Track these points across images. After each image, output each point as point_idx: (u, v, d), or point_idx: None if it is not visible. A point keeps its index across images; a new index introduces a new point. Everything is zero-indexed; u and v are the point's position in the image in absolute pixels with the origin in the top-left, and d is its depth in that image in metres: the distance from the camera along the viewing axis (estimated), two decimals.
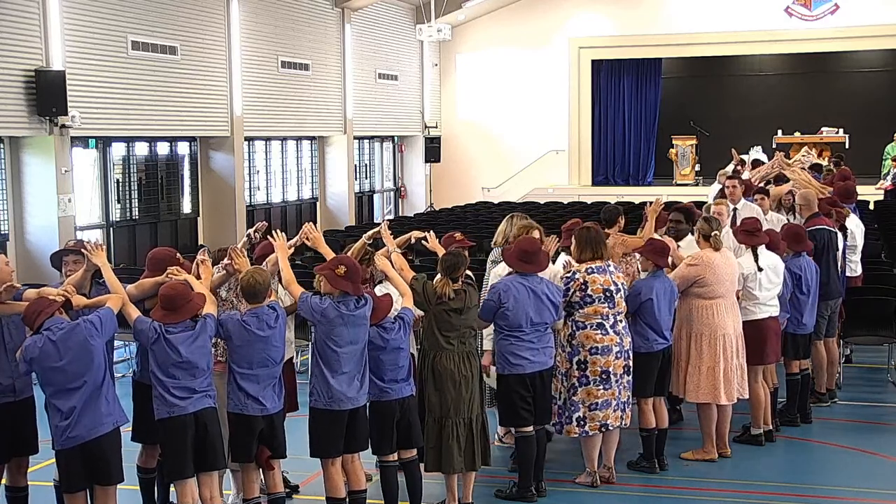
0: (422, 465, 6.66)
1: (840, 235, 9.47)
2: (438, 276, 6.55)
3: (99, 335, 5.52)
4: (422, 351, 6.57)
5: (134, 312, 5.77)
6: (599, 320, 7.02)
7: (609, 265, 7.16)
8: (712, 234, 7.63)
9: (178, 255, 6.52)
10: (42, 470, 6.75)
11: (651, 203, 8.60)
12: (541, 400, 6.91)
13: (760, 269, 7.87)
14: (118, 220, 16.31)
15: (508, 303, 6.69)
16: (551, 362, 6.95)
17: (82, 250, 6.11)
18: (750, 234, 8.02)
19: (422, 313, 6.58)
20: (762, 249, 7.98)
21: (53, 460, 5.76)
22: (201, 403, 5.72)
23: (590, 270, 7.05)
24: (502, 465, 7.55)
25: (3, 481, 6.24)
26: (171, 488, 6.34)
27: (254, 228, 7.08)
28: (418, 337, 6.80)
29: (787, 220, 10.29)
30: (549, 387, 6.99)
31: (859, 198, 12.69)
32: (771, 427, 8.20)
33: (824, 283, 8.82)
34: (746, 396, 7.84)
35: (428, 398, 6.54)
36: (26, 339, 5.52)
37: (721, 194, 12.08)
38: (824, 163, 16.83)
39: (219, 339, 6.17)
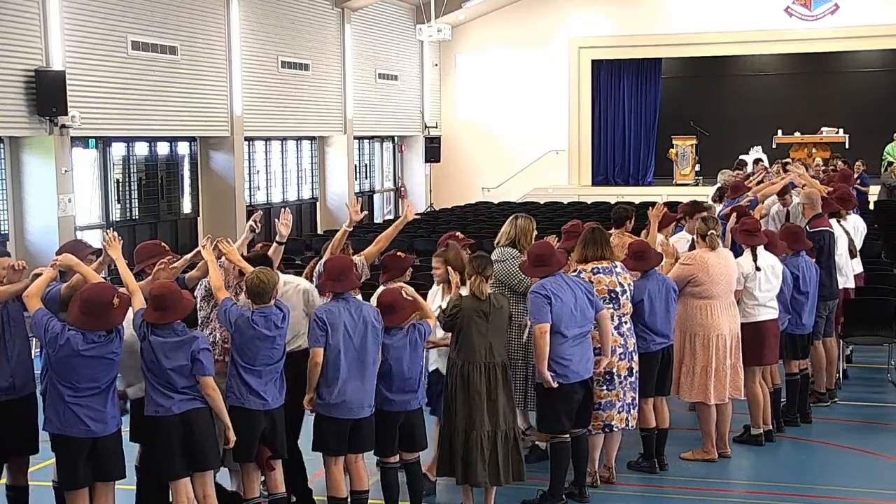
0: (430, 471, 6.66)
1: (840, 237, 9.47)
2: (472, 276, 6.46)
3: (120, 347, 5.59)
4: (450, 361, 6.51)
5: (139, 305, 5.77)
6: None
7: (616, 266, 7.12)
8: (708, 233, 7.63)
9: (165, 245, 6.51)
10: (42, 470, 6.75)
11: (652, 207, 8.61)
12: (585, 406, 6.83)
13: (758, 269, 7.87)
14: (118, 220, 16.31)
15: (554, 299, 6.53)
16: (591, 371, 6.81)
17: (102, 242, 6.12)
18: (749, 234, 8.02)
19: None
20: (761, 250, 7.98)
21: (53, 460, 5.76)
22: (188, 405, 5.69)
23: (595, 271, 7.02)
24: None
25: (3, 480, 6.24)
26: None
27: (252, 219, 6.98)
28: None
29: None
30: (592, 392, 6.88)
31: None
32: (771, 427, 8.20)
33: (824, 284, 8.82)
34: (741, 397, 7.84)
35: (455, 409, 6.43)
36: (50, 320, 5.50)
37: (719, 193, 12.09)
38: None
39: (217, 340, 6.18)
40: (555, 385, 6.55)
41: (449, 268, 6.90)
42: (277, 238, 6.66)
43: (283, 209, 6.84)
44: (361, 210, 7.28)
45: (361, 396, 6.13)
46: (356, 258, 6.85)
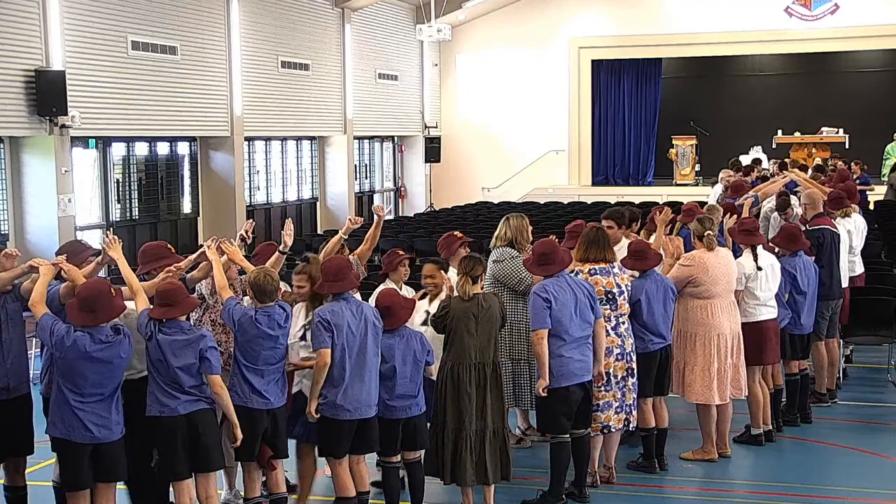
0: (432, 473, 6.64)
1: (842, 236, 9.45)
2: (459, 276, 6.49)
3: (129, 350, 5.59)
4: (442, 362, 6.52)
5: (142, 305, 5.78)
6: None
7: (614, 266, 7.12)
8: (705, 234, 7.62)
9: (170, 248, 6.52)
10: (41, 470, 6.75)
11: (656, 207, 8.61)
12: (585, 408, 6.82)
13: (760, 269, 7.87)
14: (118, 220, 16.31)
15: (554, 302, 6.53)
16: (590, 374, 6.80)
17: (101, 243, 6.12)
18: (748, 233, 8.03)
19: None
20: (760, 249, 7.98)
21: (53, 460, 5.76)
22: (193, 406, 5.70)
23: (592, 272, 7.01)
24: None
25: (2, 481, 6.24)
26: (171, 488, 6.34)
27: (244, 229, 7.06)
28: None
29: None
30: (591, 395, 6.86)
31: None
32: (771, 427, 8.20)
33: (825, 283, 8.81)
34: (741, 396, 7.84)
35: (445, 409, 6.44)
36: (52, 324, 5.48)
37: (723, 195, 12.10)
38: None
39: (221, 340, 6.19)
40: (544, 394, 6.57)
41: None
42: (281, 247, 6.70)
43: (287, 220, 6.91)
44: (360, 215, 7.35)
45: (367, 395, 6.13)
46: (350, 257, 6.92)
